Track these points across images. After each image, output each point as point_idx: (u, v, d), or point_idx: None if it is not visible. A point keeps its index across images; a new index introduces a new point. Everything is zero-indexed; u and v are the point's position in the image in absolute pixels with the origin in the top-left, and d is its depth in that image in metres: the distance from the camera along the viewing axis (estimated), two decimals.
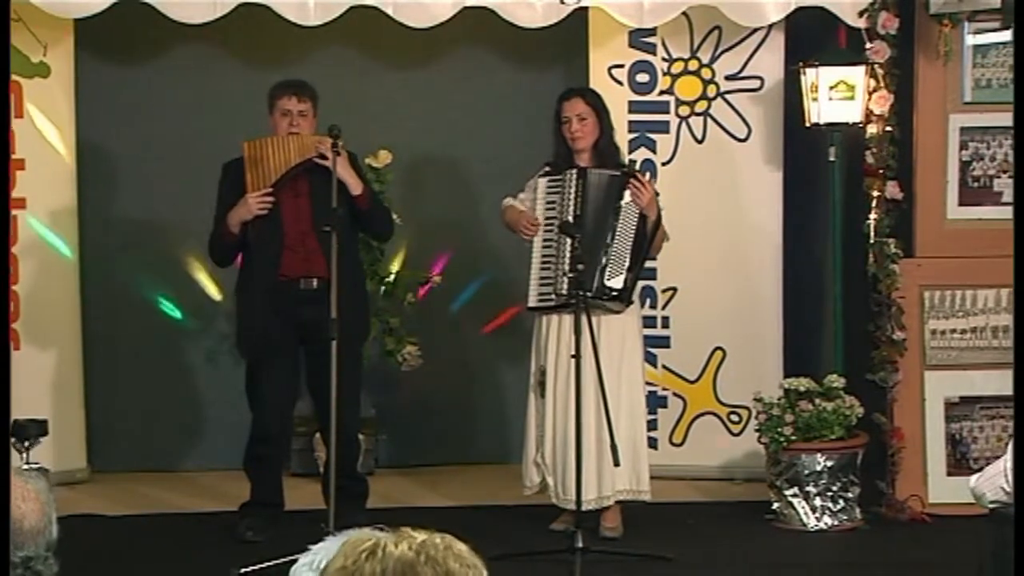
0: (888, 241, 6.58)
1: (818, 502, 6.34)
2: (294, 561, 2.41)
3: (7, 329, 5.76)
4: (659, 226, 6.20)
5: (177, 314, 7.60)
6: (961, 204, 6.66)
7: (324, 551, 2.39)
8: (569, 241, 6.04)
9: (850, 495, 6.37)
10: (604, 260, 6.10)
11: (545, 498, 6.23)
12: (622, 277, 6.11)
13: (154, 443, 7.50)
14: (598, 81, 7.07)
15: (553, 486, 6.17)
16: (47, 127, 7.02)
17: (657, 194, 6.18)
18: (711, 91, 7.17)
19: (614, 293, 6.10)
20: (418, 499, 6.93)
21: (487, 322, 7.67)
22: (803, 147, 7.07)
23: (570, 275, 5.97)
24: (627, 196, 6.13)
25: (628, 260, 6.13)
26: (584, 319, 5.74)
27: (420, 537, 2.16)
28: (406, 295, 7.35)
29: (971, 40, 6.59)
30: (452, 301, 7.66)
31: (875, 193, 6.59)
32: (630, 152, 7.07)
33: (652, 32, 7.08)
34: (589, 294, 5.94)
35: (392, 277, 7.34)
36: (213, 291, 7.52)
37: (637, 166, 6.98)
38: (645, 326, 6.57)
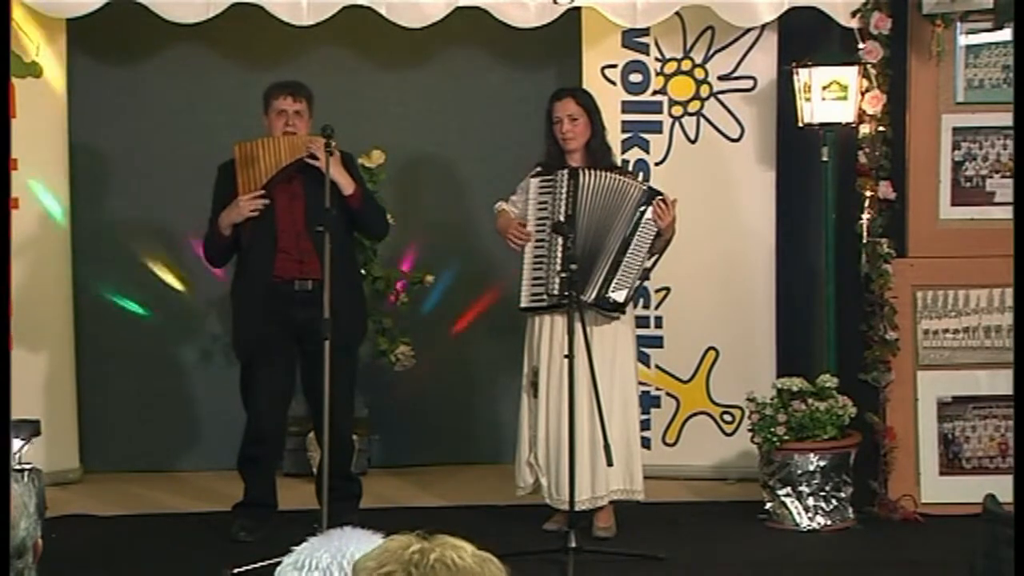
0: (881, 241, 6.59)
1: (811, 502, 6.35)
2: None
3: (7, 329, 5.76)
4: (667, 245, 6.21)
5: (170, 314, 7.59)
6: (954, 204, 6.67)
7: (308, 551, 2.39)
8: (561, 241, 6.04)
9: (843, 495, 6.38)
10: (611, 270, 6.09)
11: (538, 498, 6.23)
12: (626, 291, 6.13)
13: (147, 443, 7.50)
14: (591, 81, 7.07)
15: (546, 486, 6.17)
16: (40, 127, 7.01)
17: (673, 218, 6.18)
18: (704, 91, 7.17)
19: (616, 304, 6.12)
20: (411, 499, 6.93)
21: (476, 321, 7.67)
22: (796, 147, 7.07)
23: (562, 275, 5.98)
24: (649, 212, 6.13)
25: (635, 275, 6.14)
26: (577, 319, 5.75)
27: (416, 545, 2.14)
28: (399, 295, 7.35)
29: (964, 40, 6.60)
30: (445, 301, 7.66)
31: (868, 193, 6.60)
32: (623, 152, 7.08)
33: (645, 32, 7.09)
34: (589, 300, 5.97)
35: (385, 277, 7.34)
36: (206, 291, 7.51)
37: (630, 166, 7.02)
38: (638, 326, 6.57)
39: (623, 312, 6.18)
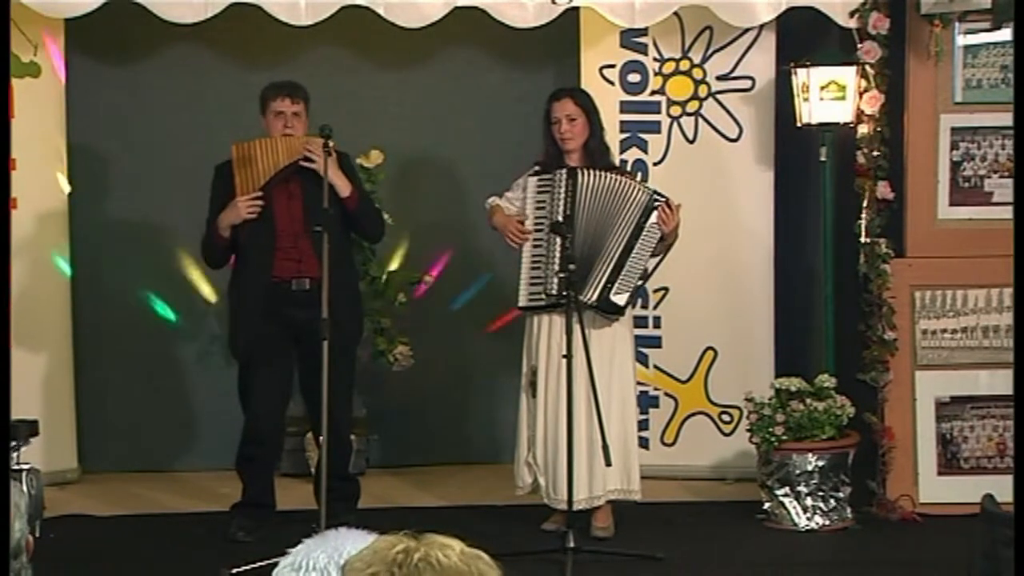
0: (879, 241, 6.59)
1: (809, 502, 6.35)
2: None
3: (7, 329, 5.75)
4: (669, 250, 6.21)
5: (168, 314, 7.59)
6: (952, 204, 6.68)
7: (305, 552, 2.39)
8: (559, 241, 6.04)
9: (841, 495, 6.38)
10: (613, 273, 6.08)
11: (537, 498, 6.23)
12: (627, 295, 6.13)
13: (145, 443, 7.50)
14: (589, 81, 7.07)
15: (544, 486, 6.17)
16: (38, 127, 7.01)
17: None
18: (702, 91, 7.18)
19: (616, 307, 6.12)
20: (409, 499, 6.93)
21: (481, 322, 7.67)
22: (794, 147, 7.08)
23: (561, 275, 5.98)
24: (654, 217, 6.12)
25: (636, 279, 6.14)
26: (575, 319, 5.75)
27: (402, 545, 2.14)
28: (397, 295, 7.35)
29: (962, 40, 6.60)
30: (444, 301, 7.66)
31: (866, 193, 6.60)
32: (621, 152, 7.08)
33: (643, 32, 7.09)
34: (590, 301, 5.98)
35: (384, 277, 7.34)
36: (204, 292, 7.52)
37: (629, 166, 7.02)
38: (636, 326, 6.57)
39: (622, 314, 6.18)
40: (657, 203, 6.13)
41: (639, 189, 6.18)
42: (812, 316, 7.16)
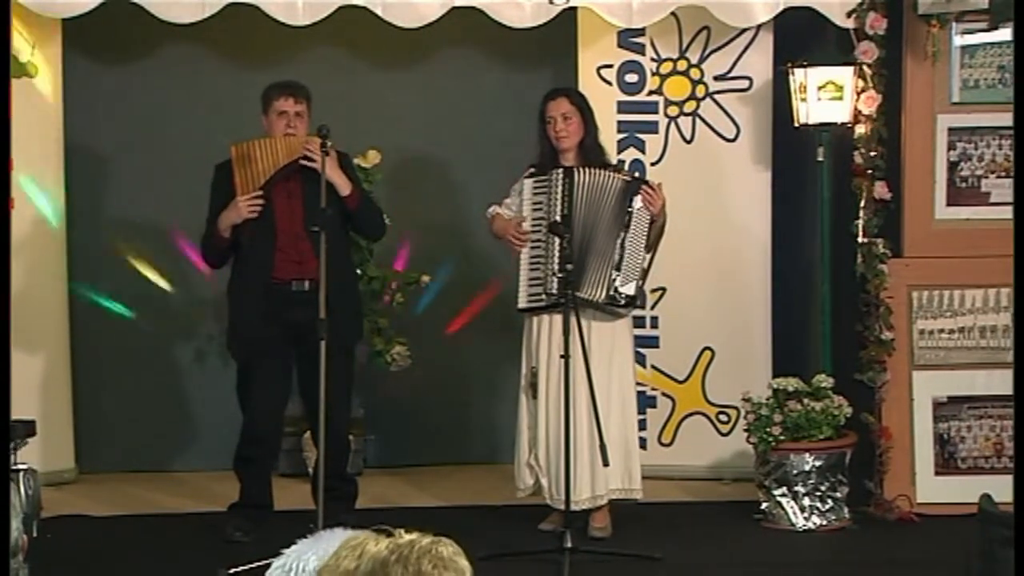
0: (876, 241, 6.60)
1: (806, 502, 6.35)
2: None
3: (7, 329, 5.75)
4: (662, 232, 6.21)
5: (164, 314, 7.58)
6: (949, 204, 6.68)
7: (296, 554, 2.40)
8: (558, 241, 6.04)
9: (838, 495, 6.38)
10: (614, 268, 6.08)
11: (535, 498, 6.22)
12: (635, 284, 6.12)
13: (142, 443, 7.50)
14: (587, 81, 7.07)
15: (547, 487, 6.16)
16: (35, 127, 7.00)
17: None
18: (700, 91, 7.18)
19: (628, 298, 6.11)
20: (407, 499, 6.93)
21: (480, 322, 7.67)
22: (792, 147, 7.08)
23: (559, 275, 5.97)
24: (638, 202, 6.12)
25: (638, 267, 6.14)
26: (574, 319, 5.75)
27: (405, 538, 2.15)
28: (395, 296, 7.35)
29: (959, 40, 6.60)
30: (441, 301, 7.66)
31: (863, 193, 6.61)
32: (619, 152, 7.08)
33: (641, 32, 7.09)
34: (600, 300, 5.97)
35: (379, 277, 7.34)
36: (202, 291, 7.51)
37: (626, 166, 7.02)
38: (634, 326, 6.57)
39: (635, 306, 6.18)
40: (638, 187, 6.12)
41: (616, 179, 6.16)
42: (809, 316, 7.16)
